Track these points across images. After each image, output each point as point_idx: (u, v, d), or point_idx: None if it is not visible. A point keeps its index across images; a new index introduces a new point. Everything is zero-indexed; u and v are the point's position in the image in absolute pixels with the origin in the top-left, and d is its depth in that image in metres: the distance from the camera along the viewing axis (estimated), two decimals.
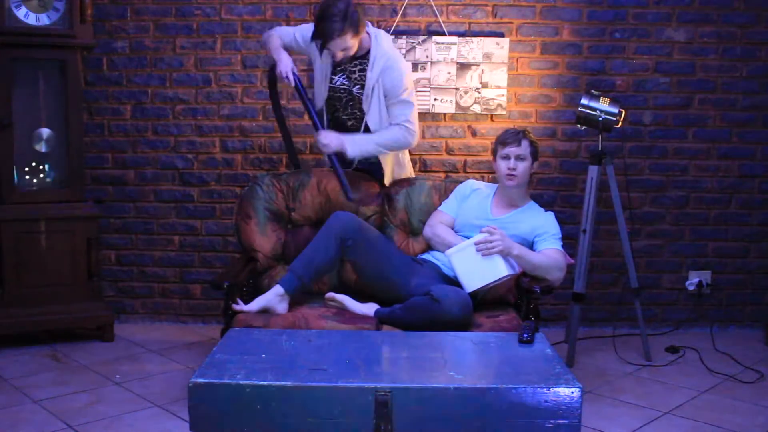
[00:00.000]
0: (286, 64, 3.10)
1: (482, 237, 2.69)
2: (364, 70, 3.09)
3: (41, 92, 3.65)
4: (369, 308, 2.78)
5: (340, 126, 3.20)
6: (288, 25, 3.82)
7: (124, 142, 3.93)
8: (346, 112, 3.20)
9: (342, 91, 3.16)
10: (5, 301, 3.47)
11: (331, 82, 3.16)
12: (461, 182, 3.18)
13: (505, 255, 2.69)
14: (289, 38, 3.20)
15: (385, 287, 2.90)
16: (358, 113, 3.17)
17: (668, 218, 3.96)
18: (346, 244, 2.83)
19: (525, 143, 2.94)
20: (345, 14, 2.86)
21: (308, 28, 3.10)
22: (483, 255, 2.67)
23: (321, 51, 3.04)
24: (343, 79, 3.14)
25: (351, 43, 2.94)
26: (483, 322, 2.73)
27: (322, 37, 2.91)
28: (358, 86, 3.11)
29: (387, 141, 3.09)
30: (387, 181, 3.27)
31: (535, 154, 2.98)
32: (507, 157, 2.94)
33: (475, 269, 2.70)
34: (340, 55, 2.97)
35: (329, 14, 2.86)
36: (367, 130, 3.13)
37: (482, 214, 2.98)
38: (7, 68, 3.44)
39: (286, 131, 3.42)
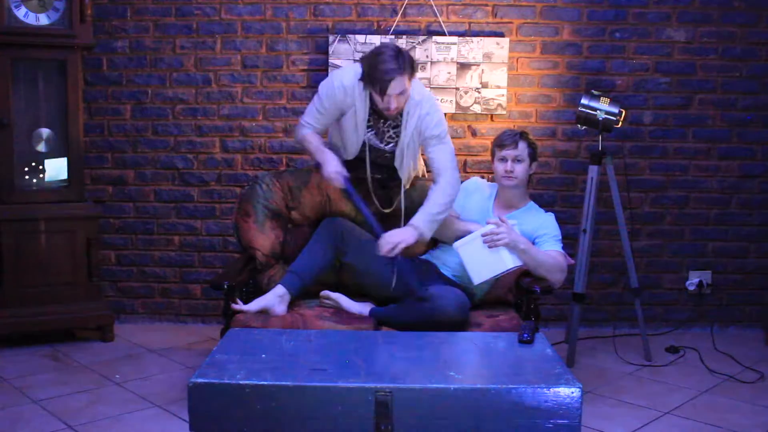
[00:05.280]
0: (331, 164, 2.84)
1: (489, 228, 2.69)
2: (398, 127, 2.90)
3: (41, 92, 3.65)
4: (364, 307, 2.79)
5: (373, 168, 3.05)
6: (287, 25, 3.83)
7: (124, 142, 3.92)
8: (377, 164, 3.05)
9: (373, 149, 2.97)
10: (5, 301, 3.47)
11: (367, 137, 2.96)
12: (464, 181, 3.19)
13: (511, 248, 2.68)
14: (320, 119, 2.92)
15: (382, 288, 2.90)
16: (389, 166, 3.02)
17: (668, 218, 3.96)
18: (341, 249, 2.88)
19: (522, 145, 2.93)
20: (398, 53, 2.71)
21: (330, 88, 2.86)
22: (489, 247, 2.67)
23: (381, 96, 2.73)
24: (374, 137, 2.95)
25: (407, 86, 2.74)
26: (483, 321, 2.73)
27: (380, 80, 2.68)
28: (392, 144, 2.95)
29: (445, 203, 2.84)
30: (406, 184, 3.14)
31: (533, 155, 2.97)
32: (504, 159, 2.94)
33: (482, 261, 2.71)
34: (394, 104, 2.74)
35: (385, 57, 2.69)
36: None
37: (484, 213, 2.98)
38: (7, 68, 3.44)
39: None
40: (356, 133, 2.91)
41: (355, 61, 2.82)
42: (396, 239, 2.76)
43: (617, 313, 3.95)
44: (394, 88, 2.71)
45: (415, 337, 2.43)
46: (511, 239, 2.67)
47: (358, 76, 2.80)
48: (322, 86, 2.92)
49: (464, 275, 2.83)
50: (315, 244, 2.91)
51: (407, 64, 2.72)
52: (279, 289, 2.77)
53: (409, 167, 2.99)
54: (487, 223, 2.73)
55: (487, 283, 2.83)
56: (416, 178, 3.18)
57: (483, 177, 3.70)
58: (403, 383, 1.92)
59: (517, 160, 2.93)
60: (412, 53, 3.74)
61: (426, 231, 2.80)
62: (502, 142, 2.96)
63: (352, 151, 2.98)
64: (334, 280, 2.96)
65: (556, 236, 2.88)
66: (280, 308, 2.75)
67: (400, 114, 2.86)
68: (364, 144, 2.94)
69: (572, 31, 3.83)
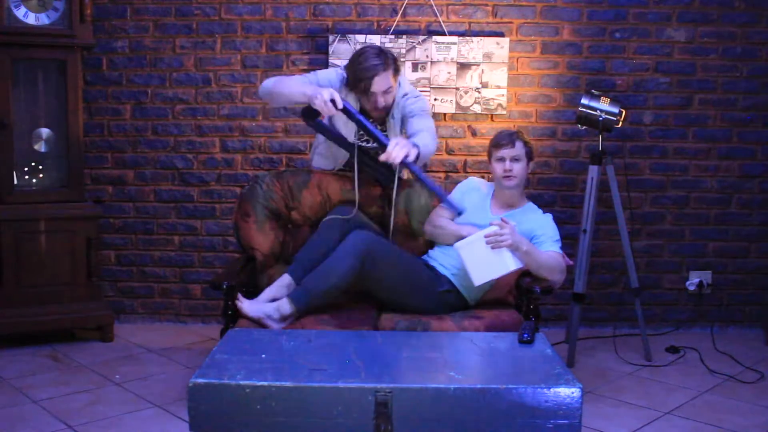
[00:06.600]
0: (323, 92, 2.63)
1: (492, 230, 2.68)
2: (384, 124, 2.91)
3: (41, 92, 3.65)
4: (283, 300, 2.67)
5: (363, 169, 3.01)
6: (287, 24, 3.83)
7: (124, 142, 3.93)
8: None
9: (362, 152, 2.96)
10: (5, 301, 3.47)
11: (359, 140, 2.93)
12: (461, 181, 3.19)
13: (514, 249, 2.68)
14: (306, 80, 2.84)
15: (412, 299, 2.82)
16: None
17: (668, 218, 3.96)
18: (368, 265, 2.67)
19: (519, 144, 2.93)
20: (381, 51, 2.74)
21: (328, 74, 2.87)
22: (492, 248, 2.67)
23: (366, 95, 2.76)
24: (358, 139, 2.94)
25: (392, 84, 2.77)
26: (484, 314, 2.75)
27: (363, 77, 2.70)
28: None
29: (426, 145, 2.73)
30: None
31: (530, 155, 2.97)
32: (502, 159, 2.94)
33: (484, 262, 2.69)
34: (382, 101, 2.76)
35: (367, 55, 2.73)
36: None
37: (482, 213, 2.98)
38: (6, 68, 3.44)
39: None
40: (346, 130, 2.91)
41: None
42: (400, 149, 2.55)
43: (617, 313, 3.96)
44: (378, 84, 2.71)
45: (415, 337, 2.43)
46: (514, 241, 2.66)
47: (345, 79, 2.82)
48: (320, 72, 2.93)
49: (464, 276, 2.83)
50: (339, 257, 2.67)
51: (390, 61, 2.74)
52: (283, 302, 2.64)
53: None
54: (490, 225, 2.72)
55: (488, 283, 2.83)
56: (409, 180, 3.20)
57: (483, 177, 3.72)
58: (403, 383, 1.92)
59: (514, 159, 2.92)
60: (412, 53, 3.76)
61: (423, 152, 2.65)
62: (498, 142, 2.96)
63: (341, 154, 3.00)
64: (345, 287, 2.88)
65: (554, 236, 2.87)
66: (275, 324, 2.61)
67: (387, 113, 2.87)
68: (352, 148, 2.94)
69: (572, 31, 3.83)
